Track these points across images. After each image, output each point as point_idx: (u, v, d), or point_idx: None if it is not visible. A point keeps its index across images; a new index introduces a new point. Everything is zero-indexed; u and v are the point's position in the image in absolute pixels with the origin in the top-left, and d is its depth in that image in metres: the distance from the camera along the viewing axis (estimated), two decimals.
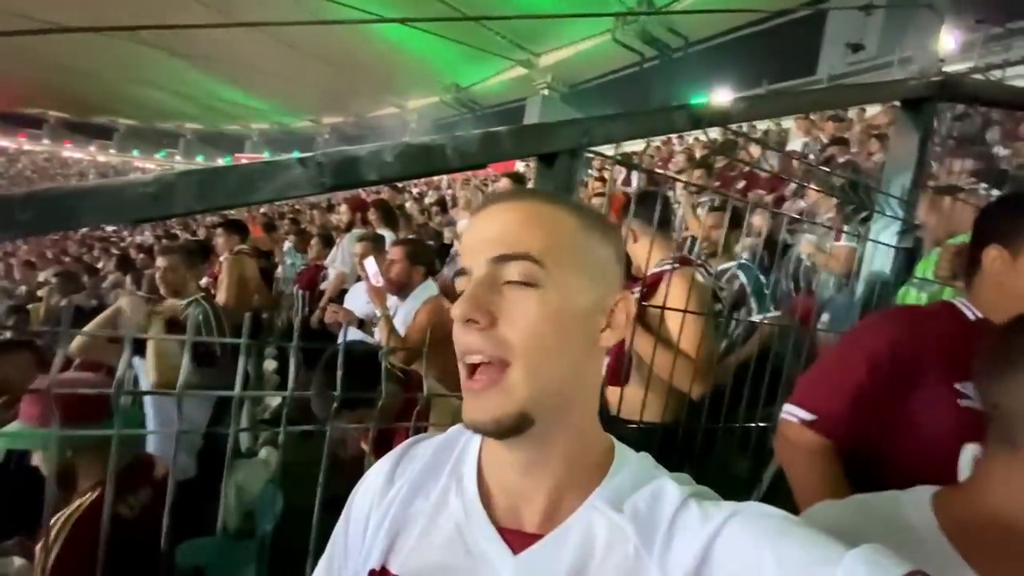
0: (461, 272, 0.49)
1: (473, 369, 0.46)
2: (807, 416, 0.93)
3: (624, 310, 0.49)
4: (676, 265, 1.50)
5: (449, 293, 2.63)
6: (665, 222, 1.69)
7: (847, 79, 10.07)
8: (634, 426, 1.41)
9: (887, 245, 1.39)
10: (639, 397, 1.39)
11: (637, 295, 1.56)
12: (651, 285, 1.56)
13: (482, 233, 0.48)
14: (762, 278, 2.34)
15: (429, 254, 2.58)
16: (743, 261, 2.36)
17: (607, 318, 0.48)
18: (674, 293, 1.41)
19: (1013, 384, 0.55)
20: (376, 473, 0.56)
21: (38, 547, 1.00)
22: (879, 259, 1.42)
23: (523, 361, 0.44)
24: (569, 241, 0.48)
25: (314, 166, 0.74)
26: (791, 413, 0.96)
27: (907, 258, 1.44)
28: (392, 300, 2.35)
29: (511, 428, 0.44)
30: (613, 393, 1.51)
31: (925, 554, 0.36)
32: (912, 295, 1.94)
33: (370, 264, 2.37)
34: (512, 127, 0.79)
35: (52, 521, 1.05)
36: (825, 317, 2.53)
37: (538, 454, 0.47)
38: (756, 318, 2.18)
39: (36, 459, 1.20)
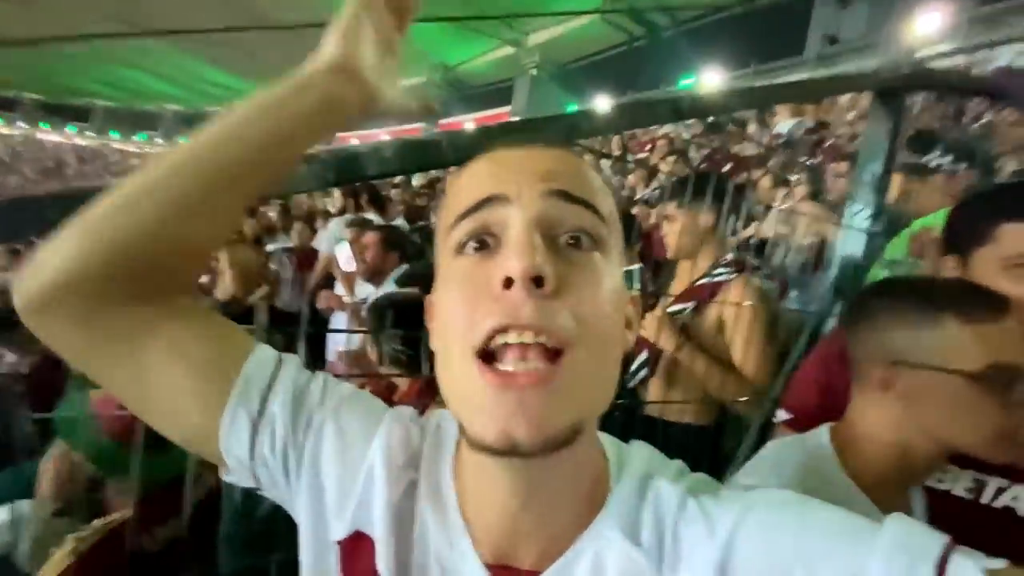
0: (483, 204, 0.34)
1: (493, 357, 0.32)
2: (785, 416, 1.01)
3: (634, 308, 0.41)
4: (735, 273, 1.38)
5: None
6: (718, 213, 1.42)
7: (834, 59, 10.10)
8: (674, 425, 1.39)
9: (859, 230, 1.47)
10: (660, 394, 1.41)
11: (691, 308, 1.41)
12: (707, 298, 1.38)
13: (529, 162, 0.36)
14: None
15: (404, 241, 2.53)
16: None
17: (625, 315, 0.39)
18: (744, 310, 1.26)
19: (863, 336, 0.69)
20: (401, 440, 0.43)
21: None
22: (851, 244, 1.50)
23: (588, 350, 0.33)
24: (616, 214, 0.38)
25: (318, 163, 0.78)
26: (777, 415, 1.04)
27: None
28: (367, 288, 2.29)
29: (559, 445, 0.32)
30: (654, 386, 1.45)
31: (823, 476, 0.44)
32: (881, 277, 2.02)
33: (342, 249, 2.33)
34: (504, 123, 0.85)
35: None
36: (794, 294, 2.59)
37: (548, 478, 0.36)
38: None
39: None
